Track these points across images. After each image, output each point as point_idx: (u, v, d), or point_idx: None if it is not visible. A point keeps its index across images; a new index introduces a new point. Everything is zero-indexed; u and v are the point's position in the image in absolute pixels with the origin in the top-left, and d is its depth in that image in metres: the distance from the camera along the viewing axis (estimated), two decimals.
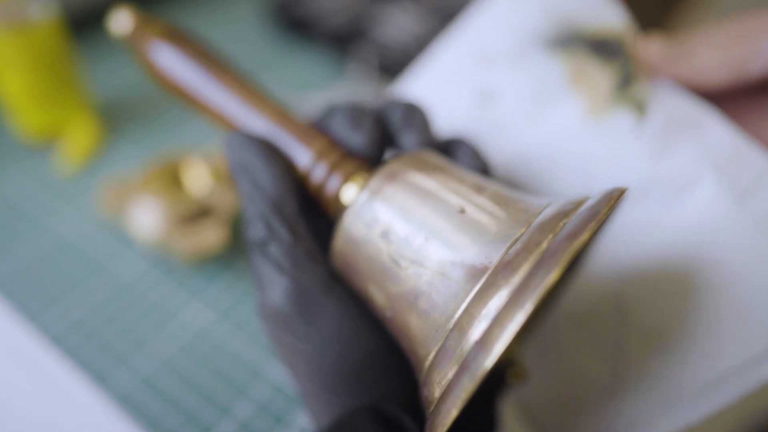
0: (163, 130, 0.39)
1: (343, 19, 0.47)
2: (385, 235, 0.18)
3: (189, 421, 0.25)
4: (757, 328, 0.20)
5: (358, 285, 0.19)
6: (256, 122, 0.21)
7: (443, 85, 0.26)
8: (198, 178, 0.31)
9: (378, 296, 0.18)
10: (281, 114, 0.21)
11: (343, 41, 0.46)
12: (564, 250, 0.14)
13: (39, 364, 0.27)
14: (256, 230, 0.19)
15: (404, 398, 0.19)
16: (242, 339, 0.28)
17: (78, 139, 0.37)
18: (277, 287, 0.18)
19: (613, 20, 0.24)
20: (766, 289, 0.20)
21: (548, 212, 0.16)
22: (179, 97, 0.24)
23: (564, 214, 0.16)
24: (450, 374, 0.15)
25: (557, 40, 0.25)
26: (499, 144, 0.25)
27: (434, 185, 0.18)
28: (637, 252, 0.22)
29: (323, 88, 0.44)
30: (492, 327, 0.14)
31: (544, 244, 0.15)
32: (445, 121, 0.26)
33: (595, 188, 0.22)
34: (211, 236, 0.29)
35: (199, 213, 0.30)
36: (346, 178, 0.19)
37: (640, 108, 0.23)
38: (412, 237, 0.17)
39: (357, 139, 0.20)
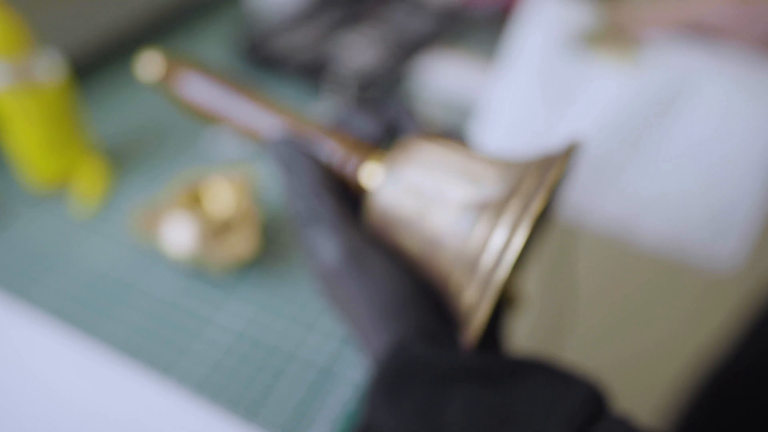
0: (165, 161, 0.42)
1: (309, 53, 0.53)
2: (410, 191, 0.23)
3: (238, 402, 0.28)
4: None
5: (392, 239, 0.23)
6: (279, 127, 0.26)
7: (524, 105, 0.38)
8: (221, 195, 0.35)
9: (411, 243, 0.23)
10: (298, 119, 0.26)
11: (312, 72, 0.51)
12: (542, 191, 0.19)
13: (102, 372, 0.29)
14: (305, 210, 0.23)
15: (438, 322, 0.23)
16: (285, 313, 0.32)
17: (88, 181, 0.39)
18: (331, 249, 0.23)
19: (595, 11, 0.37)
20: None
21: (528, 165, 0.21)
22: (209, 118, 0.28)
23: (537, 164, 0.21)
24: (476, 290, 0.20)
25: (575, 43, 0.37)
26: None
27: (442, 152, 0.23)
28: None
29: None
30: (503, 248, 0.20)
31: (531, 184, 0.20)
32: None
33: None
34: (242, 245, 0.33)
35: (228, 225, 0.33)
36: (365, 158, 0.24)
37: (638, 56, 0.36)
38: (432, 191, 0.22)
39: (369, 125, 0.25)
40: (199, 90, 0.28)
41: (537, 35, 0.37)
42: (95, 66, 0.52)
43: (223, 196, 0.35)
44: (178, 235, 0.32)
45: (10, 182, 0.40)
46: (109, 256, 0.35)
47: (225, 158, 0.43)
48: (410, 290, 0.23)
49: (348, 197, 0.25)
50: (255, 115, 0.27)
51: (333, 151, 0.25)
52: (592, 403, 0.19)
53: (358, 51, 0.53)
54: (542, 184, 0.20)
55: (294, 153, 0.24)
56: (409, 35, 0.55)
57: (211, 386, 0.29)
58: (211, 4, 0.64)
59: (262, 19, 0.60)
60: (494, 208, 0.21)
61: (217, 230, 0.33)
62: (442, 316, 0.23)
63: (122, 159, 0.43)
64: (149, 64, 0.29)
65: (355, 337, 0.24)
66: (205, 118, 0.28)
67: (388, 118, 0.26)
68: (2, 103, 0.36)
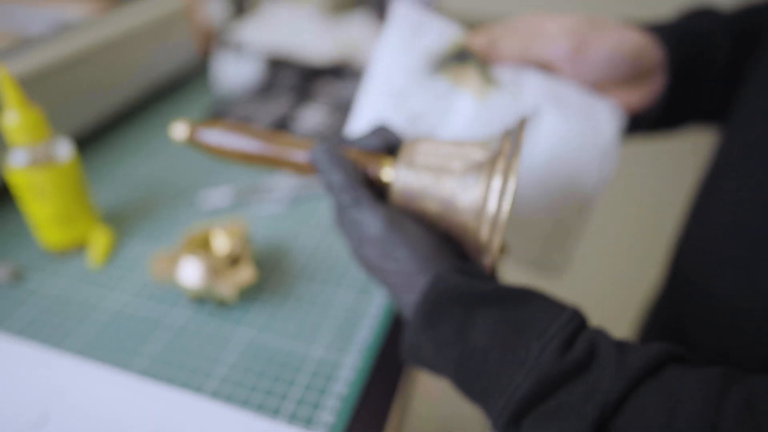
0: (164, 215, 0.48)
1: (269, 120, 0.60)
2: (421, 171, 0.30)
3: (265, 400, 0.34)
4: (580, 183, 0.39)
5: (415, 210, 0.31)
6: (293, 155, 0.33)
7: (381, 119, 0.40)
8: (220, 238, 0.41)
9: (431, 206, 0.30)
10: (306, 143, 0.33)
11: None
12: (516, 148, 0.28)
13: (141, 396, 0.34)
14: (349, 198, 0.30)
15: (463, 262, 0.30)
16: (288, 337, 0.38)
17: (98, 241, 0.45)
18: (377, 222, 0.29)
19: (454, 35, 0.39)
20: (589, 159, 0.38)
21: (499, 138, 0.30)
22: (233, 158, 0.34)
23: (508, 133, 0.29)
24: (488, 226, 0.28)
25: (432, 65, 0.39)
26: None
27: (435, 143, 0.31)
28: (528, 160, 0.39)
29: (262, 176, 0.56)
30: (502, 190, 0.27)
31: (507, 148, 0.28)
32: None
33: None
34: (243, 275, 0.39)
35: (230, 261, 0.39)
36: (381, 161, 0.32)
37: (494, 82, 0.39)
38: (438, 166, 0.30)
39: (373, 142, 0.33)
40: (220, 139, 0.34)
41: (391, 54, 0.39)
42: (93, 140, 0.58)
43: (222, 239, 0.41)
44: (191, 272, 0.38)
45: (31, 244, 0.45)
46: (126, 300, 0.40)
47: (217, 211, 0.50)
48: (438, 241, 0.30)
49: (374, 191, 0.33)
50: (285, 148, 0.34)
51: (356, 160, 0.32)
52: (579, 318, 0.26)
53: (311, 118, 0.61)
54: (515, 144, 0.28)
55: (333, 156, 0.31)
56: (351, 100, 0.64)
57: (237, 397, 0.34)
58: (185, 82, 0.72)
59: (225, 93, 0.67)
60: (487, 166, 0.29)
61: (221, 266, 0.39)
62: (464, 258, 0.31)
63: (126, 217, 0.48)
64: (179, 129, 0.35)
65: (396, 287, 0.30)
66: (230, 159, 0.35)
67: (386, 136, 0.34)
68: (23, 180, 0.41)
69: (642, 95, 0.41)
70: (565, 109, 0.38)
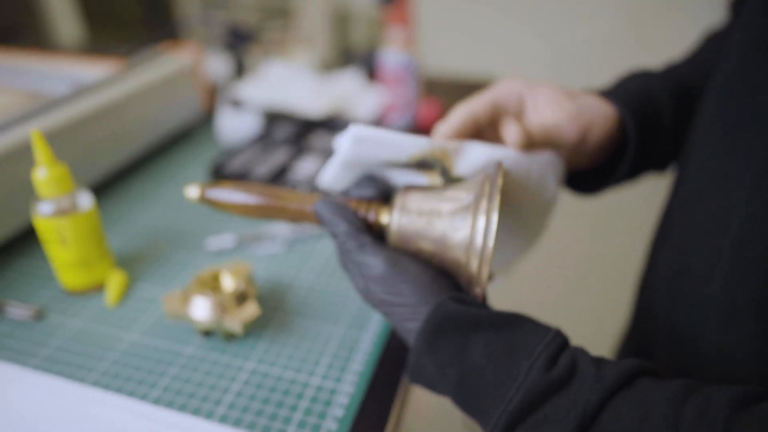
0: (167, 263, 0.52)
1: (268, 169, 0.65)
2: (414, 215, 0.35)
3: (269, 423, 0.37)
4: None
5: (412, 248, 0.35)
6: (294, 206, 0.38)
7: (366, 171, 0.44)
8: (227, 278, 0.45)
9: (426, 246, 0.35)
10: (321, 194, 0.38)
11: (269, 182, 0.63)
12: (496, 189, 0.32)
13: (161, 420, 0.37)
14: (354, 243, 0.34)
15: (458, 292, 0.34)
16: (289, 368, 0.41)
17: (113, 285, 0.48)
18: (379, 262, 0.33)
19: (419, 147, 0.37)
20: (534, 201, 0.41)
21: (481, 180, 0.34)
22: (240, 212, 0.39)
23: (485, 178, 0.34)
24: (476, 259, 0.32)
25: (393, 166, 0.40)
26: None
27: (424, 191, 0.36)
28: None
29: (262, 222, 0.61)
30: (486, 226, 0.32)
31: (488, 190, 0.33)
32: None
33: None
34: (250, 311, 0.43)
35: (236, 298, 0.43)
36: (379, 208, 0.36)
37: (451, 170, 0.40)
38: (429, 210, 0.34)
39: (369, 192, 0.37)
40: (229, 197, 0.39)
41: (344, 165, 0.38)
42: (107, 188, 0.62)
43: (228, 279, 0.45)
44: (201, 308, 0.42)
45: (53, 285, 0.49)
46: (139, 335, 0.44)
47: (222, 253, 0.54)
48: (435, 275, 0.34)
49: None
50: (287, 201, 0.38)
51: (356, 209, 0.36)
52: (561, 337, 0.30)
53: (304, 168, 0.66)
54: (494, 186, 0.33)
55: (336, 208, 0.36)
56: None
57: (244, 421, 0.38)
58: (191, 134, 0.77)
59: (227, 145, 0.73)
60: (472, 207, 0.33)
61: (228, 303, 0.43)
62: (458, 288, 0.35)
63: (138, 260, 0.52)
64: (191, 190, 0.40)
65: (400, 318, 0.34)
66: (239, 214, 0.39)
67: (377, 186, 0.38)
68: (48, 227, 0.45)
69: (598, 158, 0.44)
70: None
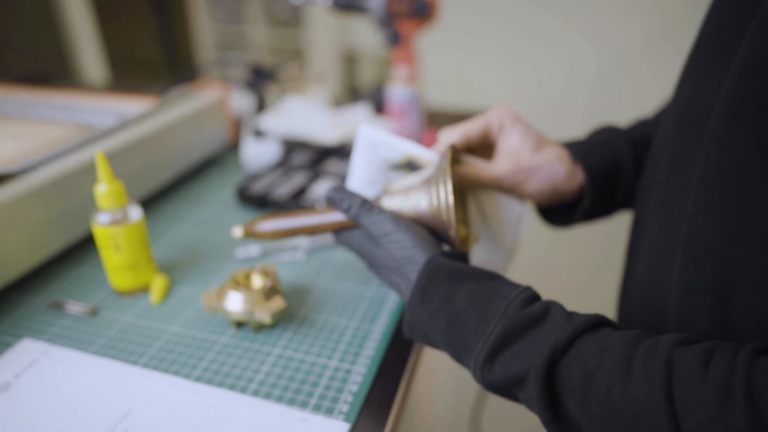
0: (201, 269, 0.59)
1: (288, 191, 0.73)
2: (399, 193, 0.43)
3: (295, 396, 0.43)
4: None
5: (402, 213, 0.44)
6: (325, 219, 0.46)
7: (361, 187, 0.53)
8: (256, 277, 0.52)
9: (409, 213, 0.43)
10: (327, 209, 0.46)
11: (287, 205, 0.70)
12: (446, 164, 0.41)
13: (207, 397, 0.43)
14: (361, 211, 0.42)
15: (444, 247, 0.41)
16: (313, 352, 0.47)
17: (156, 286, 0.55)
18: (385, 218, 0.42)
19: (404, 149, 0.49)
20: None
21: (435, 164, 0.43)
22: (281, 237, 0.48)
23: (438, 161, 0.42)
24: (444, 210, 0.41)
25: (390, 167, 0.51)
26: None
27: (403, 178, 0.45)
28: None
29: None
30: (444, 194, 0.40)
31: (441, 167, 0.41)
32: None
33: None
34: (277, 304, 0.49)
35: (264, 294, 0.50)
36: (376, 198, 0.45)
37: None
38: (407, 187, 0.43)
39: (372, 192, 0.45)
40: (267, 227, 0.48)
41: (359, 163, 0.50)
42: (149, 206, 0.69)
43: (258, 277, 0.52)
44: (235, 302, 0.48)
45: (105, 287, 0.55)
46: (184, 325, 0.50)
47: (249, 260, 0.60)
48: (426, 231, 0.42)
49: None
50: (316, 216, 0.47)
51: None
52: (533, 291, 0.36)
53: (319, 189, 0.74)
54: (446, 163, 0.41)
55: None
56: None
57: (273, 395, 0.44)
58: (219, 161, 0.85)
59: (251, 170, 0.80)
60: (434, 177, 0.42)
61: (258, 297, 0.49)
62: (443, 244, 0.42)
63: (177, 266, 0.59)
64: (236, 231, 0.49)
65: (401, 264, 0.41)
66: (276, 239, 0.49)
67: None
68: (104, 235, 0.52)
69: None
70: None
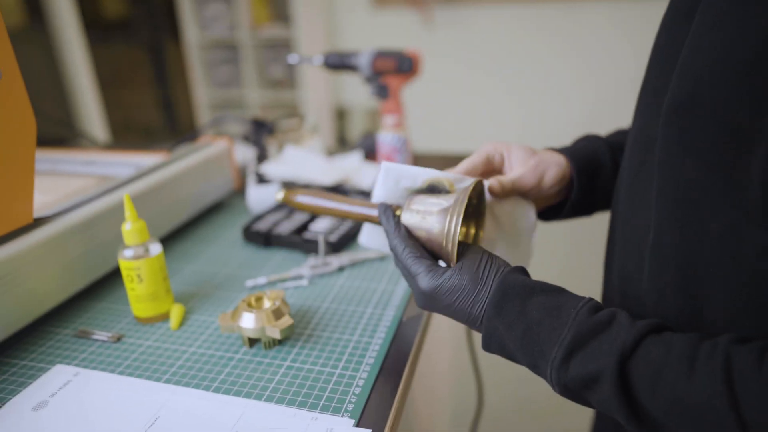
0: (214, 298, 0.64)
1: (291, 229, 0.78)
2: (417, 213, 0.47)
3: (305, 400, 0.47)
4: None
5: (414, 235, 0.47)
6: (359, 210, 0.51)
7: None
8: (266, 300, 0.57)
9: (421, 235, 0.47)
10: (364, 201, 0.51)
11: (294, 241, 0.76)
12: (463, 199, 0.45)
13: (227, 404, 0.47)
14: (388, 227, 0.47)
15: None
16: (319, 363, 0.52)
17: (174, 314, 0.60)
18: (398, 237, 0.46)
19: (425, 175, 0.52)
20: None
21: (459, 191, 0.47)
22: (314, 211, 0.53)
23: (464, 190, 0.46)
24: (450, 246, 0.44)
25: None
26: None
27: (424, 197, 0.48)
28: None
29: (289, 269, 0.73)
30: (454, 225, 0.44)
31: (459, 198, 0.45)
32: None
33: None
34: (285, 322, 0.54)
35: (274, 314, 0.54)
36: (398, 208, 0.49)
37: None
38: (425, 210, 0.47)
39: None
40: (304, 200, 0.54)
41: (383, 194, 0.52)
42: (164, 246, 0.74)
43: (268, 299, 0.57)
44: (248, 321, 0.53)
45: (128, 316, 0.60)
46: (203, 345, 0.55)
47: (258, 288, 0.65)
48: (428, 255, 0.46)
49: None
50: (340, 205, 0.52)
51: (393, 208, 0.50)
52: (597, 301, 0.38)
53: (323, 225, 0.79)
54: (465, 195, 0.45)
55: (386, 206, 0.49)
56: None
57: (284, 400, 0.48)
58: (226, 204, 0.91)
59: (256, 211, 0.86)
60: (450, 209, 0.45)
61: (269, 316, 0.54)
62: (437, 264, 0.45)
63: (192, 297, 0.63)
64: (279, 194, 0.55)
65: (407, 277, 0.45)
66: (311, 211, 0.54)
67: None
68: (128, 267, 0.57)
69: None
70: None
